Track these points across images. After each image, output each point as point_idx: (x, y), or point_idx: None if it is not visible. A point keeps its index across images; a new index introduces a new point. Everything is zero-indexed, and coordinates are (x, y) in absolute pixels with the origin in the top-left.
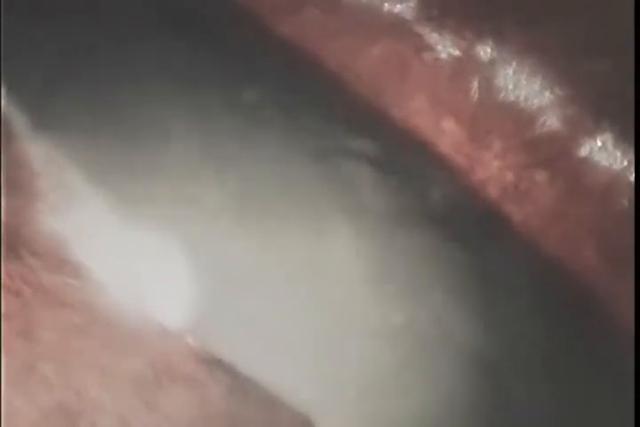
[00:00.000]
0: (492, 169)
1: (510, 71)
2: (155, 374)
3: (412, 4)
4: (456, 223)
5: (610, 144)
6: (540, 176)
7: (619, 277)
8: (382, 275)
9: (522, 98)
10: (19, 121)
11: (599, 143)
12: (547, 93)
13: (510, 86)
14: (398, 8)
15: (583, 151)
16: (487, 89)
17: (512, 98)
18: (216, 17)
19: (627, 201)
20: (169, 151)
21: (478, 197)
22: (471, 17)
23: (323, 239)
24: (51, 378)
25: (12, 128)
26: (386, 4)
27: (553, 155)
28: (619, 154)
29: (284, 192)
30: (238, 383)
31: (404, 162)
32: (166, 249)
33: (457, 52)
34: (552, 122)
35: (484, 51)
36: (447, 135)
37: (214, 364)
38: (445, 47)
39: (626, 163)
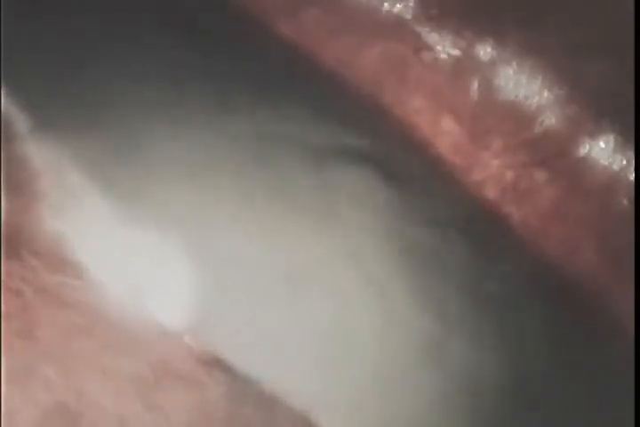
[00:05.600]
0: (491, 168)
1: (510, 71)
2: (154, 374)
3: (411, 4)
4: (456, 223)
5: (610, 144)
6: (540, 176)
7: (619, 277)
8: (382, 275)
9: (521, 97)
10: (19, 121)
11: (599, 143)
12: (546, 93)
13: (510, 86)
14: (398, 8)
15: (583, 151)
16: (487, 88)
17: (512, 97)
18: (216, 17)
19: (627, 201)
20: (169, 151)
21: (477, 196)
22: (471, 17)
23: (323, 239)
24: (51, 378)
25: (11, 128)
26: (385, 4)
27: (553, 154)
28: (618, 154)
29: (283, 192)
30: (238, 384)
31: (404, 161)
32: (166, 249)
33: (457, 52)
34: (552, 121)
35: (484, 51)
36: (447, 135)
37: (214, 364)
38: (445, 47)
39: (625, 162)
